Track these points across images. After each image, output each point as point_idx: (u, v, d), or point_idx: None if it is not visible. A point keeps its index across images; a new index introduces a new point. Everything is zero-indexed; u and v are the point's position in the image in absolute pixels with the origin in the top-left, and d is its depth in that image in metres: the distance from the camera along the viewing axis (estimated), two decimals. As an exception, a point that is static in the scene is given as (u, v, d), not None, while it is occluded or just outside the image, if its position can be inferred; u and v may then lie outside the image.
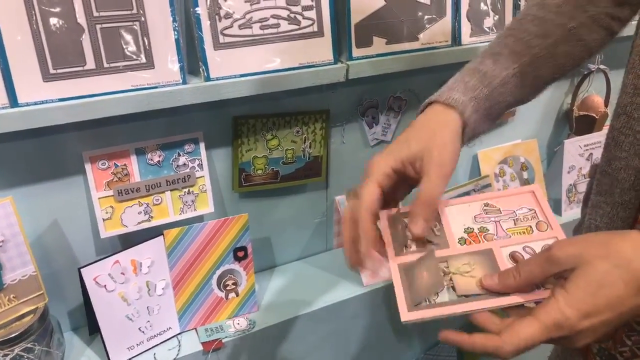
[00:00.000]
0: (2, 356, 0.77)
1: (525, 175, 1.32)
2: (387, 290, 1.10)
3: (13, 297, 0.80)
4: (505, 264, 0.54)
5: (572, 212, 1.35)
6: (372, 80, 1.00)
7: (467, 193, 1.20)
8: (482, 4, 1.05)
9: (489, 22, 1.07)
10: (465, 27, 1.04)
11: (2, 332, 0.78)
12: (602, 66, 1.29)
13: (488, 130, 0.62)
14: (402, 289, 0.54)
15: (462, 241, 0.59)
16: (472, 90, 0.57)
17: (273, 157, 0.99)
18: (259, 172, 0.99)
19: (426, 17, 1.00)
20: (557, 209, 1.35)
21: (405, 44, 0.99)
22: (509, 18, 1.10)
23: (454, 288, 0.53)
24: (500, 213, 0.61)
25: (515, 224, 0.59)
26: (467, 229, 0.60)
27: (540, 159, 1.34)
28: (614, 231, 0.50)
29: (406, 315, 0.52)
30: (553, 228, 0.58)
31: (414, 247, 0.58)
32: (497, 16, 1.08)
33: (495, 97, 0.58)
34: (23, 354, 0.79)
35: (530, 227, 0.59)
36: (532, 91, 0.62)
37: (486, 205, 0.62)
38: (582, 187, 1.35)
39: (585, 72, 1.31)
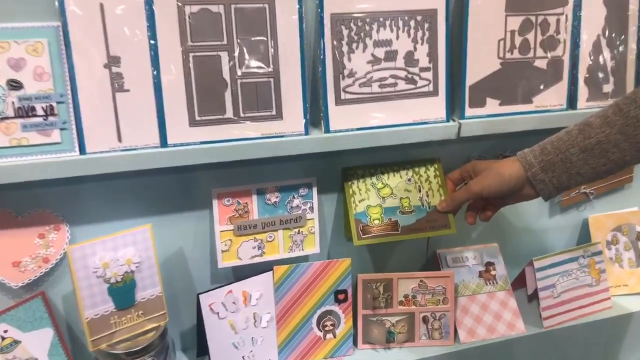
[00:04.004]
0: (127, 366, 0.87)
1: (641, 245, 1.25)
2: (484, 350, 1.08)
3: (141, 313, 0.90)
4: (420, 323, 1.06)
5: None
6: (482, 139, 1.02)
7: (575, 259, 1.15)
8: (601, 69, 1.05)
9: (608, 87, 1.06)
10: (583, 91, 1.04)
11: (129, 344, 0.88)
12: None
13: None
14: (362, 329, 1.05)
15: (400, 303, 1.05)
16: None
17: (388, 206, 1.01)
18: (376, 222, 1.00)
19: (542, 80, 1.01)
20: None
21: (519, 106, 1.01)
22: (630, 83, 1.08)
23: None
24: (427, 288, 1.05)
25: (432, 296, 1.06)
26: (405, 295, 1.05)
27: (659, 229, 1.27)
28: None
29: (361, 345, 1.05)
30: (449, 303, 1.06)
31: (378, 305, 1.04)
32: (617, 81, 1.06)
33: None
34: (144, 366, 0.88)
35: (439, 299, 1.06)
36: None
37: (421, 281, 1.05)
38: None
39: None
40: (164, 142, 0.83)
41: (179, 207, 0.95)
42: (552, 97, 1.02)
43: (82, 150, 0.80)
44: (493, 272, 1.13)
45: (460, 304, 1.09)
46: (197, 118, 0.84)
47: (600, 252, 1.18)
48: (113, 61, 0.79)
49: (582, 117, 1.03)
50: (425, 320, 1.06)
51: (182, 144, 0.84)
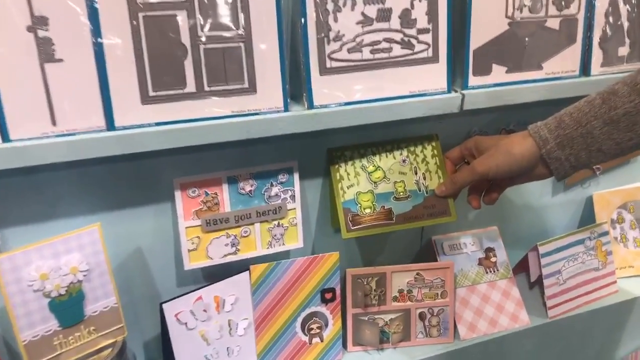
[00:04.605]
0: (78, 393, 0.72)
1: (648, 223, 1.16)
2: (486, 346, 0.98)
3: (93, 329, 0.75)
4: (416, 320, 0.94)
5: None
6: (483, 111, 0.90)
7: (582, 242, 1.05)
8: (617, 30, 0.92)
9: (624, 50, 0.94)
10: (597, 55, 0.92)
11: (79, 367, 0.74)
12: None
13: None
14: (353, 330, 0.92)
15: (394, 299, 0.93)
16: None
17: (380, 192, 0.87)
18: (367, 210, 0.86)
19: (553, 43, 0.88)
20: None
21: (527, 73, 0.88)
22: (646, 46, 0.96)
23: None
24: (424, 282, 0.94)
25: (429, 290, 0.94)
26: (400, 290, 0.93)
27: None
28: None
29: (351, 348, 0.93)
30: (449, 296, 0.95)
31: (370, 302, 0.91)
32: (632, 44, 0.94)
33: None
34: (99, 392, 0.74)
35: (437, 293, 0.94)
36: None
37: (417, 274, 0.94)
38: None
39: None
40: (110, 125, 0.67)
41: (133, 201, 0.79)
42: (565, 62, 0.90)
43: (5, 138, 0.64)
44: (493, 259, 1.02)
45: (459, 296, 0.98)
46: (151, 94, 0.68)
47: (606, 233, 1.09)
48: (39, 22, 0.62)
49: (596, 85, 0.90)
50: (422, 316, 0.95)
51: (133, 126, 0.68)
